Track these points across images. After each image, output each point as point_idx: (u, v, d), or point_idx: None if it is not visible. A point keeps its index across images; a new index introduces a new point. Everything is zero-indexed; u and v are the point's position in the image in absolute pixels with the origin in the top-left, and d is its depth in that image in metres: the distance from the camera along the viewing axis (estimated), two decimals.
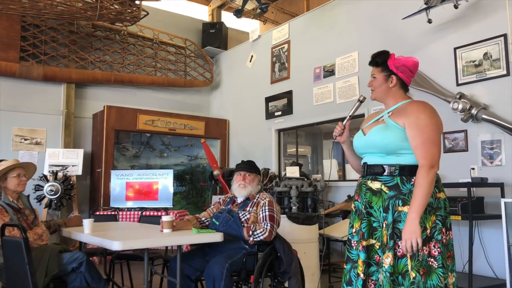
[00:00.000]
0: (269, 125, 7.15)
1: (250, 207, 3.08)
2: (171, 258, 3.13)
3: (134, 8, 6.36)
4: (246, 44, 7.91)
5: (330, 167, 5.35)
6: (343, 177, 6.08)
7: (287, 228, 3.94)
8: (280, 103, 6.95)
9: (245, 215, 3.04)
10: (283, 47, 7.03)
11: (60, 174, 6.06)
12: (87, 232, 2.90)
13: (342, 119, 6.55)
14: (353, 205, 2.16)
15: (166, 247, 3.97)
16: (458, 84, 4.54)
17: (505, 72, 4.20)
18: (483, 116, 4.21)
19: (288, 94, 6.81)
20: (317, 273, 4.18)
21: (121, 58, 7.35)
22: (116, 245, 2.40)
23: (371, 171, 2.04)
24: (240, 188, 3.15)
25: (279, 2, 9.03)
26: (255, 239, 2.89)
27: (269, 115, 7.14)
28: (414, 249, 1.82)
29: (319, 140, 9.09)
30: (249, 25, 8.94)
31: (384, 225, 1.93)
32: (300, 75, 6.64)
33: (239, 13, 6.94)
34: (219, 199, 3.42)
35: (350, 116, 2.21)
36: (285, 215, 4.10)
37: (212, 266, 2.74)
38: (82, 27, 7.00)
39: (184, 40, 8.07)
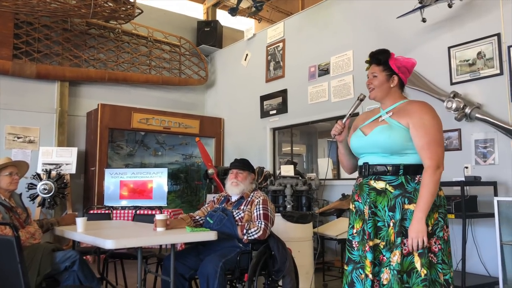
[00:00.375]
0: (264, 123, 7.15)
1: (244, 205, 3.08)
2: (165, 257, 3.12)
3: (128, 6, 6.32)
4: (241, 42, 7.90)
5: (327, 166, 5.36)
6: (337, 176, 6.09)
7: (282, 226, 3.95)
8: (275, 102, 6.95)
9: (239, 214, 3.04)
10: (278, 45, 7.02)
11: (53, 173, 6.02)
12: (80, 230, 2.89)
13: (336, 118, 6.58)
14: (352, 205, 2.13)
15: (160, 245, 3.96)
16: (452, 83, 4.56)
17: (498, 71, 4.22)
18: (477, 115, 4.23)
19: (283, 93, 6.81)
20: (311, 271, 4.18)
21: (115, 56, 7.31)
22: (109, 244, 2.39)
23: (374, 171, 2.02)
24: (233, 186, 3.15)
25: (274, 0, 9.02)
26: (249, 238, 2.88)
27: (264, 113, 7.14)
28: (420, 247, 1.85)
29: (314, 139, 9.10)
30: (244, 24, 8.93)
31: (391, 224, 1.93)
32: (295, 73, 6.64)
33: (234, 11, 6.93)
34: (214, 197, 3.42)
35: (350, 114, 2.18)
36: (279, 214, 4.10)
37: (206, 264, 2.74)
38: (76, 25, 6.96)
39: (178, 38, 8.04)
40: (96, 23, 7.12)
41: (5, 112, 6.40)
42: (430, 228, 1.91)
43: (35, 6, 5.96)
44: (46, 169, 6.02)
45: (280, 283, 3.02)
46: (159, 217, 2.81)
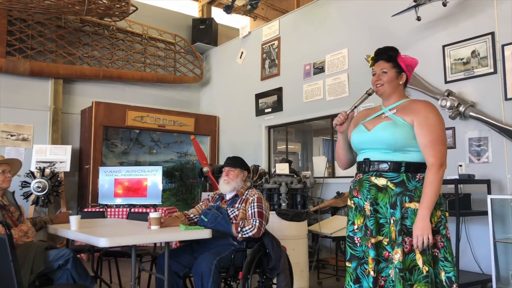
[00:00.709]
0: (259, 122, 7.14)
1: (239, 203, 3.08)
2: (159, 255, 3.11)
3: (123, 3, 6.29)
4: (236, 40, 7.88)
5: (322, 164, 5.36)
6: (332, 174, 6.10)
7: (276, 224, 3.95)
8: (270, 100, 6.95)
9: (234, 212, 3.03)
10: (273, 43, 7.02)
11: (47, 171, 5.99)
12: (74, 229, 2.87)
13: (332, 116, 6.56)
14: (350, 201, 2.11)
15: (155, 243, 3.94)
16: (446, 82, 4.57)
17: (492, 70, 4.24)
18: (471, 113, 4.25)
19: (278, 91, 6.81)
20: (306, 269, 4.19)
21: (110, 53, 7.28)
22: (102, 242, 2.38)
23: (375, 167, 2.01)
24: (224, 184, 3.15)
25: None
26: (243, 236, 2.88)
27: (259, 112, 7.13)
28: (425, 245, 1.86)
29: (309, 137, 9.12)
30: (239, 21, 8.90)
31: (392, 221, 1.93)
32: (290, 72, 6.64)
33: (229, 9, 6.91)
34: (208, 195, 3.41)
35: (355, 106, 2.14)
36: (274, 212, 4.10)
37: (200, 262, 2.73)
38: (70, 22, 6.91)
39: (173, 36, 8.01)
40: (90, 20, 7.07)
41: None
42: (433, 225, 1.93)
43: (29, 2, 5.91)
44: (40, 167, 5.99)
45: (275, 281, 3.02)
46: (153, 215, 2.80)
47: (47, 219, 3.22)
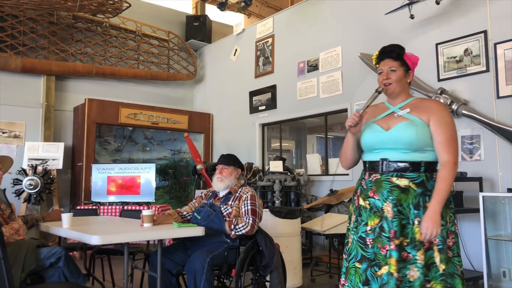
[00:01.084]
0: (253, 119, 7.14)
1: (232, 201, 3.07)
2: (152, 253, 3.10)
3: (116, 0, 6.24)
4: (230, 37, 7.86)
5: (319, 162, 5.37)
6: (326, 172, 6.11)
7: (270, 222, 3.95)
8: (264, 98, 6.94)
9: (227, 209, 3.03)
10: (267, 41, 7.01)
11: (39, 168, 5.94)
12: (66, 226, 2.85)
13: (325, 114, 6.57)
14: (365, 202, 2.06)
15: (148, 241, 3.93)
16: (439, 80, 4.59)
17: (484, 68, 4.26)
18: (463, 111, 4.27)
19: (272, 89, 6.80)
20: (299, 266, 4.20)
21: (103, 50, 7.23)
22: (94, 240, 2.37)
23: (396, 168, 1.99)
24: (218, 181, 3.14)
25: None
26: (237, 233, 2.88)
27: (253, 109, 7.12)
28: (432, 238, 1.88)
29: (303, 134, 9.13)
30: (233, 19, 8.88)
31: (417, 222, 1.92)
32: (284, 69, 6.64)
33: (223, 6, 6.89)
34: (201, 193, 3.40)
35: (367, 106, 2.10)
36: (267, 209, 4.10)
37: (193, 260, 2.73)
38: (63, 18, 6.86)
39: (167, 33, 7.98)
40: (83, 17, 7.02)
41: None
42: (449, 224, 1.97)
43: None
44: (32, 165, 5.94)
45: (268, 278, 3.02)
46: (146, 212, 2.79)
47: (39, 217, 3.19)
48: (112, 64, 7.28)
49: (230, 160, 3.24)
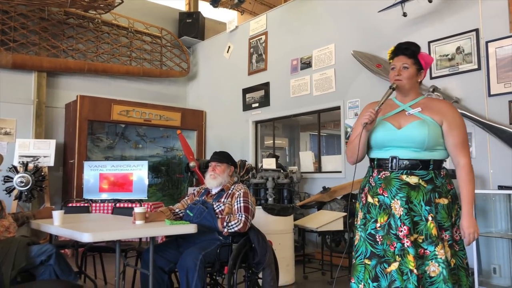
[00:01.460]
0: (246, 116, 7.13)
1: (225, 198, 3.07)
2: (144, 250, 3.09)
3: None
4: (224, 34, 7.84)
5: (312, 159, 5.37)
6: (318, 169, 6.13)
7: (263, 219, 3.95)
8: (257, 95, 6.93)
9: (220, 206, 3.02)
10: (261, 38, 6.99)
11: (31, 165, 5.89)
12: (57, 224, 2.83)
13: (318, 111, 6.56)
14: (374, 199, 2.06)
15: (140, 239, 3.92)
16: (431, 77, 4.61)
17: (476, 66, 4.29)
18: None
19: (265, 86, 6.80)
20: (291, 263, 4.21)
21: (95, 47, 7.17)
22: (86, 237, 2.35)
23: (406, 166, 2.01)
24: (211, 179, 3.13)
25: None
26: (229, 230, 2.87)
27: (246, 106, 7.11)
28: (475, 239, 1.94)
29: (296, 132, 9.14)
30: (227, 16, 8.86)
31: (431, 218, 1.95)
32: (277, 66, 6.63)
33: (216, 2, 6.86)
34: (194, 190, 3.39)
35: (382, 103, 2.10)
36: (260, 207, 4.11)
37: (186, 257, 2.72)
38: (54, 14, 6.79)
39: (160, 30, 7.93)
40: (74, 13, 6.96)
41: None
42: (454, 219, 2.01)
43: None
44: (23, 162, 5.88)
45: (260, 275, 3.03)
46: (137, 210, 2.78)
47: (30, 214, 3.16)
48: (104, 61, 7.22)
49: (223, 157, 3.23)
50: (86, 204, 5.25)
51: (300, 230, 5.01)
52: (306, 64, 6.17)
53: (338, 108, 5.69)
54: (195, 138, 7.88)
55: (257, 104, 6.93)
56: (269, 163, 5.77)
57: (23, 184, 5.71)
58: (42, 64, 6.60)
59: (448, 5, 4.56)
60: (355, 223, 2.18)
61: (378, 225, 2.02)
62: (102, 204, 5.76)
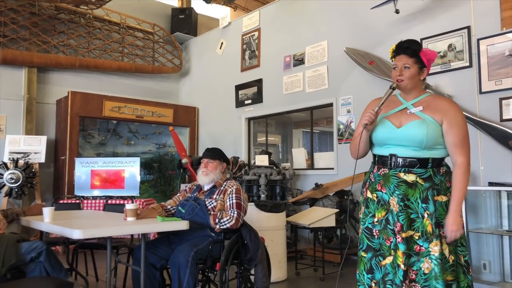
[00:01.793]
0: (239, 113, 7.11)
1: (217, 194, 3.06)
2: (135, 247, 3.08)
3: None
4: (216, 30, 7.81)
5: (304, 156, 5.37)
6: (311, 166, 6.14)
7: (255, 215, 3.95)
8: (250, 92, 6.92)
9: (212, 203, 3.01)
10: (254, 34, 6.98)
11: (21, 162, 5.84)
12: (47, 220, 2.81)
13: (311, 108, 6.56)
14: (372, 194, 2.12)
15: (132, 235, 3.90)
16: None
17: (468, 63, 4.32)
18: None
19: (258, 83, 6.78)
20: (284, 260, 4.22)
21: (86, 42, 7.11)
22: (76, 234, 2.33)
23: (404, 164, 2.04)
24: (203, 175, 3.12)
25: None
26: (221, 227, 2.87)
27: (239, 103, 7.10)
28: (456, 238, 1.95)
29: (289, 129, 9.15)
30: (219, 12, 8.81)
31: (426, 215, 1.98)
32: (270, 63, 6.62)
33: None
34: (186, 187, 3.38)
35: (382, 103, 2.11)
36: (253, 203, 4.11)
37: (177, 254, 2.71)
38: (44, 9, 6.71)
39: (152, 25, 7.88)
40: (65, 8, 6.89)
41: None
42: None
43: None
44: (13, 158, 5.83)
45: (253, 271, 3.03)
46: (129, 206, 2.76)
47: (19, 211, 3.13)
48: (96, 57, 7.17)
49: (215, 154, 3.22)
50: (77, 201, 5.21)
51: (292, 227, 5.02)
52: (299, 61, 6.17)
53: (331, 105, 5.70)
54: (187, 135, 7.86)
55: (250, 101, 6.92)
56: (261, 160, 5.77)
57: (13, 180, 5.66)
58: (33, 60, 6.53)
59: (440, 2, 4.58)
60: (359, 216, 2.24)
61: (376, 219, 2.07)
62: (93, 201, 5.73)
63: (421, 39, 4.66)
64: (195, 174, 6.05)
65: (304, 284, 4.11)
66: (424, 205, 1.99)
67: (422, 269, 1.95)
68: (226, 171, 3.46)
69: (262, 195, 5.45)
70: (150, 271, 2.87)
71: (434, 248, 1.94)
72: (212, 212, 2.96)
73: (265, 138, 7.09)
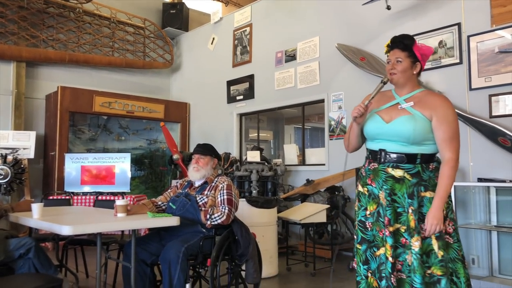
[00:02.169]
0: (230, 109, 7.10)
1: (208, 190, 3.05)
2: (126, 243, 3.06)
3: None
4: (208, 26, 7.77)
5: (296, 152, 5.38)
6: (302, 162, 6.15)
7: (246, 211, 3.95)
8: (242, 87, 6.90)
9: (203, 199, 3.00)
10: (245, 30, 6.95)
11: (10, 158, 5.77)
12: (36, 217, 2.77)
13: (303, 104, 6.58)
14: (363, 188, 2.16)
15: (122, 231, 3.88)
16: None
17: (458, 60, 4.34)
18: None
19: (250, 78, 6.77)
20: (275, 255, 4.23)
21: (76, 37, 7.03)
22: (65, 230, 2.31)
23: (392, 159, 2.06)
24: (194, 171, 3.11)
25: None
26: (212, 223, 2.86)
27: (231, 99, 7.08)
28: (437, 232, 1.96)
29: (280, 125, 9.15)
30: (211, 7, 8.76)
31: (411, 211, 2.00)
32: (262, 59, 6.61)
33: None
34: (177, 182, 3.36)
35: (373, 97, 2.13)
36: (244, 199, 4.10)
37: (168, 250, 2.70)
38: (33, 2, 6.62)
39: (143, 20, 7.82)
40: (54, 1, 6.80)
41: None
42: (444, 212, 2.02)
43: None
44: (1, 154, 5.75)
45: (244, 267, 3.03)
46: (119, 202, 2.74)
47: (8, 207, 3.09)
48: (86, 52, 7.09)
49: (206, 149, 3.21)
50: (67, 197, 5.17)
51: (283, 222, 5.03)
52: (291, 57, 6.16)
53: (322, 101, 5.71)
54: (178, 131, 7.82)
55: (241, 97, 6.90)
56: (253, 156, 5.76)
57: (2, 176, 5.58)
58: (21, 54, 6.44)
59: None
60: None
61: (368, 212, 2.12)
62: (83, 197, 5.69)
63: (412, 36, 4.67)
64: (186, 170, 6.04)
65: (295, 280, 4.13)
66: (409, 200, 2.01)
67: (407, 260, 1.99)
68: (217, 167, 3.45)
69: (254, 191, 5.45)
70: (141, 267, 2.86)
71: (415, 243, 1.97)
72: (203, 208, 2.95)
73: (256, 134, 7.08)
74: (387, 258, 2.00)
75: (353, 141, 2.24)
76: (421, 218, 2.00)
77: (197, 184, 3.15)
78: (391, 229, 2.01)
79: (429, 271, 1.97)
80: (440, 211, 1.96)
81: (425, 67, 4.48)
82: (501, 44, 4.03)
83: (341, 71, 5.44)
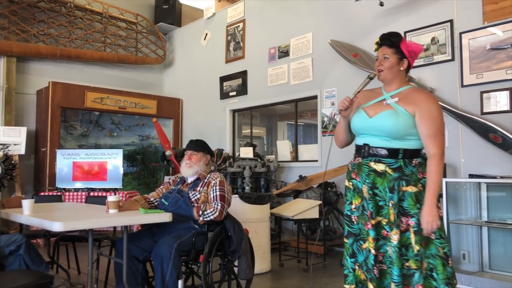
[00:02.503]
0: (223, 105, 7.08)
1: (201, 187, 3.04)
2: (118, 239, 3.04)
3: None
4: (201, 21, 7.73)
5: (289, 148, 5.38)
6: (295, 158, 6.15)
7: (239, 207, 3.95)
8: (235, 83, 6.89)
9: (196, 195, 2.99)
10: (238, 26, 6.92)
11: (0, 154, 5.71)
12: (27, 213, 2.75)
13: (296, 101, 6.58)
14: (349, 183, 2.20)
15: (114, 228, 3.86)
16: None
17: (450, 57, 4.36)
18: None
19: (243, 74, 6.75)
20: (268, 251, 4.23)
21: (68, 32, 6.96)
22: (56, 226, 2.29)
23: (374, 153, 2.09)
24: (186, 167, 3.10)
25: None
26: (205, 219, 2.85)
27: (224, 95, 7.06)
28: (434, 230, 1.97)
29: (273, 121, 9.15)
30: (204, 2, 8.70)
31: (391, 205, 2.04)
32: (255, 55, 6.59)
33: None
34: (169, 179, 3.35)
35: (358, 91, 2.18)
36: (237, 195, 4.10)
37: (160, 246, 2.69)
38: None
39: (135, 16, 7.76)
40: None
41: None
42: None
43: None
44: None
45: (236, 263, 3.03)
46: (111, 198, 2.73)
47: None
48: (77, 47, 7.03)
49: (199, 145, 3.20)
50: (58, 193, 5.13)
51: (276, 218, 5.04)
52: (284, 53, 6.15)
53: (315, 97, 5.71)
54: (171, 127, 7.79)
55: (234, 93, 6.89)
56: (246, 152, 5.76)
57: None
58: (12, 49, 6.37)
59: None
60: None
61: (353, 206, 2.16)
62: (75, 193, 5.65)
63: (405, 32, 4.69)
64: (179, 166, 6.02)
65: (287, 275, 4.14)
66: (390, 194, 2.05)
67: (388, 252, 2.04)
68: (210, 163, 3.44)
69: (247, 187, 5.45)
70: (133, 263, 2.85)
71: (394, 237, 2.01)
72: (195, 204, 2.94)
73: (249, 130, 7.07)
74: (369, 250, 2.05)
75: (341, 136, 2.30)
76: (401, 212, 2.03)
77: (189, 180, 3.14)
78: (373, 222, 2.06)
79: (407, 264, 2.01)
80: (434, 208, 1.97)
81: (418, 63, 4.55)
82: (493, 41, 4.06)
83: (334, 67, 5.44)
